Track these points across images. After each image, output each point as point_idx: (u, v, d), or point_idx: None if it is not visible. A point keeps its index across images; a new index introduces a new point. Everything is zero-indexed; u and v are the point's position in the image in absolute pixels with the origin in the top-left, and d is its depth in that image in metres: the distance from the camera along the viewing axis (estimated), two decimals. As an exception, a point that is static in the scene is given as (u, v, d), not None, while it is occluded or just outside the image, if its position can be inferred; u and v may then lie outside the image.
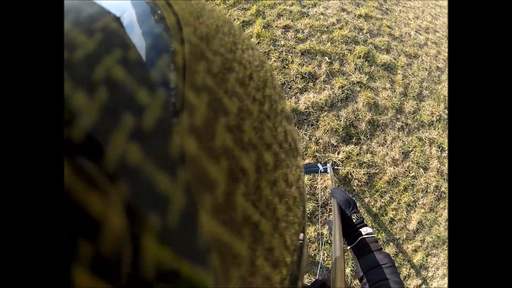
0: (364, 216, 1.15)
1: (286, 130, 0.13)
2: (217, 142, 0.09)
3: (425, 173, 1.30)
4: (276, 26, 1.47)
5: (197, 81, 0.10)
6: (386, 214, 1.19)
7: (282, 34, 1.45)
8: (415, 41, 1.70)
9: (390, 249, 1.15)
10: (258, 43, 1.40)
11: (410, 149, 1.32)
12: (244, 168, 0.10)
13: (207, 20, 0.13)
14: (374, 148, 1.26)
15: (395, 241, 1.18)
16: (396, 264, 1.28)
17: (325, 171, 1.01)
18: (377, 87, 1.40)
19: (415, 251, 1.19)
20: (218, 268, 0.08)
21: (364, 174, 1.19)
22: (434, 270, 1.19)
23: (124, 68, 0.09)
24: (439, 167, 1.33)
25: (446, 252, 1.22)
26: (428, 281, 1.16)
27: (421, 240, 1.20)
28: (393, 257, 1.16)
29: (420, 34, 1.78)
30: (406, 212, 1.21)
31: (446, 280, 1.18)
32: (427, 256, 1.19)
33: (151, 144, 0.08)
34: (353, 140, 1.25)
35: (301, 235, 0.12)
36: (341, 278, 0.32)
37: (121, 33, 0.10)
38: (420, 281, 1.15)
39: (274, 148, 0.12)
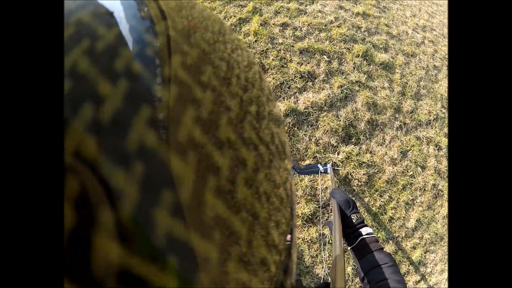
0: (364, 216, 1.16)
1: (273, 132, 0.14)
2: (181, 136, 0.09)
3: (422, 171, 1.32)
4: (273, 24, 1.45)
5: (184, 77, 0.10)
6: (385, 213, 1.20)
7: (280, 32, 1.42)
8: (412, 39, 1.70)
9: (389, 247, 1.17)
10: (256, 41, 1.37)
11: (408, 148, 1.33)
12: (218, 165, 0.10)
13: (196, 19, 0.14)
14: (373, 148, 1.27)
15: (394, 239, 1.19)
16: (393, 258, 1.30)
17: (325, 171, 1.01)
18: (376, 87, 1.40)
19: (414, 248, 1.21)
20: (180, 268, 0.08)
21: (364, 174, 1.19)
22: (432, 266, 1.21)
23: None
24: (436, 165, 1.35)
25: (444, 248, 1.25)
26: (426, 277, 1.19)
27: (419, 238, 1.22)
28: (393, 254, 1.17)
29: (417, 33, 1.78)
30: (405, 211, 1.23)
31: (444, 275, 1.21)
32: (425, 252, 1.22)
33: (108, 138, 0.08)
34: (353, 140, 1.25)
35: (289, 236, 0.13)
36: (342, 277, 0.32)
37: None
38: (419, 277, 1.18)
39: (260, 149, 0.12)
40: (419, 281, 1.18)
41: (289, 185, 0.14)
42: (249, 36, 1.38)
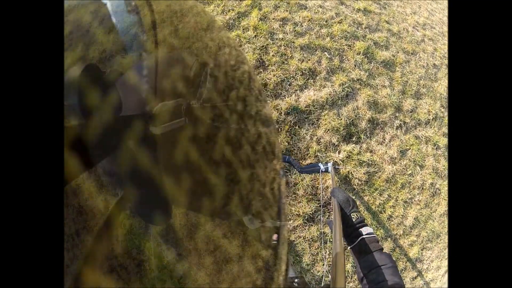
0: (364, 216, 1.17)
1: (260, 132, 0.14)
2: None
3: (421, 170, 1.33)
4: (273, 19, 1.41)
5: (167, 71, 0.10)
6: (384, 211, 1.21)
7: (280, 27, 1.39)
8: (412, 37, 1.70)
9: (388, 245, 1.19)
10: (255, 36, 1.33)
11: (408, 147, 1.34)
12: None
13: (186, 16, 0.13)
14: (373, 146, 1.27)
15: (392, 237, 1.21)
16: (393, 259, 1.32)
17: (326, 170, 1.00)
18: (377, 85, 1.39)
19: (411, 245, 1.23)
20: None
21: (364, 173, 1.20)
22: (429, 263, 1.24)
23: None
24: (435, 164, 1.37)
25: (440, 245, 1.28)
26: (423, 273, 1.22)
27: (416, 235, 1.25)
28: (391, 252, 1.19)
29: (418, 31, 1.78)
30: (403, 209, 1.24)
31: (440, 272, 1.24)
32: (422, 250, 1.24)
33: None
34: (354, 139, 1.24)
35: (275, 236, 0.13)
36: (342, 274, 0.33)
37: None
38: (416, 274, 1.20)
39: (245, 149, 0.12)
40: (415, 277, 1.21)
41: (277, 185, 0.14)
42: (248, 31, 1.33)
